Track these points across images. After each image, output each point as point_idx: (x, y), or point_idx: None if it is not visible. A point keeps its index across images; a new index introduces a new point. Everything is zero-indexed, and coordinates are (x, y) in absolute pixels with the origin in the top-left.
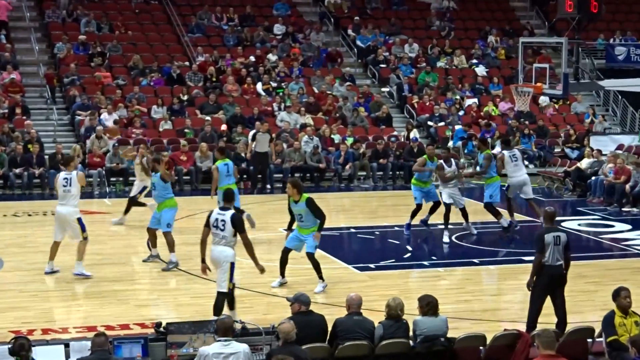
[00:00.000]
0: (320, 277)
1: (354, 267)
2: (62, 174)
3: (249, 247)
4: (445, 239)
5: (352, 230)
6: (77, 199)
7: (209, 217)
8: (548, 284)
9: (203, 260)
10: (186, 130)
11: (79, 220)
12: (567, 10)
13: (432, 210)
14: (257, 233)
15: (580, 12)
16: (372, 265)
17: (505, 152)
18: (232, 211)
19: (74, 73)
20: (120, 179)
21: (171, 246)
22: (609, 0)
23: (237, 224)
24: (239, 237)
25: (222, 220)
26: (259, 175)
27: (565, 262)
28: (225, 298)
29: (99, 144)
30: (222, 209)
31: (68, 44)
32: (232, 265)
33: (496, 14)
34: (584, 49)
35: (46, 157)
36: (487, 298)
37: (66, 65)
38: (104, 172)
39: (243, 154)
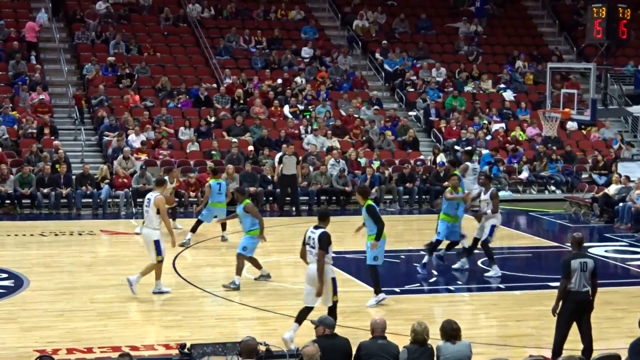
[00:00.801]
0: (376, 291)
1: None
2: (148, 194)
3: (321, 266)
4: (494, 272)
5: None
6: (158, 221)
7: (305, 234)
8: (574, 310)
9: None
10: (213, 152)
11: (156, 243)
12: (596, 37)
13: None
14: (283, 256)
15: (608, 38)
16: (397, 289)
17: (468, 163)
18: (322, 230)
19: (102, 94)
20: None
21: (239, 270)
22: (637, 27)
23: (322, 240)
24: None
25: (313, 239)
26: (287, 198)
27: (592, 289)
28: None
29: (126, 164)
30: (315, 227)
31: (97, 65)
32: (333, 280)
33: (524, 39)
34: (612, 74)
35: (73, 177)
36: (512, 324)
37: (94, 86)
38: (130, 193)
39: (270, 177)
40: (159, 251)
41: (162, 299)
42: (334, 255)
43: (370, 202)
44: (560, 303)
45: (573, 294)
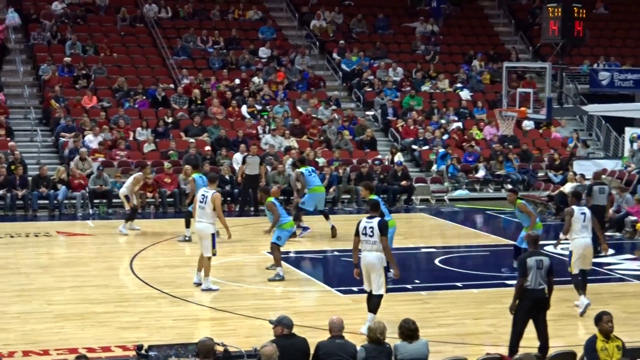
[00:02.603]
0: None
1: (337, 290)
2: (201, 190)
3: (387, 250)
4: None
5: (336, 253)
6: (214, 217)
7: (357, 225)
8: (530, 308)
9: (357, 266)
10: (170, 153)
11: (213, 236)
12: (552, 36)
13: None
14: (244, 255)
15: (564, 38)
16: (355, 289)
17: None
18: (378, 218)
19: (59, 95)
20: (104, 201)
21: (277, 261)
22: (592, 26)
23: (383, 227)
24: None
25: (371, 227)
26: (248, 198)
27: (548, 287)
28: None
29: (82, 165)
30: (369, 217)
31: (53, 66)
32: (385, 268)
33: (481, 38)
34: (568, 74)
35: (30, 178)
36: (470, 322)
37: (51, 87)
38: (87, 194)
39: (227, 177)
40: (214, 244)
41: (118, 301)
42: (293, 255)
43: (373, 195)
44: (517, 301)
45: (529, 291)
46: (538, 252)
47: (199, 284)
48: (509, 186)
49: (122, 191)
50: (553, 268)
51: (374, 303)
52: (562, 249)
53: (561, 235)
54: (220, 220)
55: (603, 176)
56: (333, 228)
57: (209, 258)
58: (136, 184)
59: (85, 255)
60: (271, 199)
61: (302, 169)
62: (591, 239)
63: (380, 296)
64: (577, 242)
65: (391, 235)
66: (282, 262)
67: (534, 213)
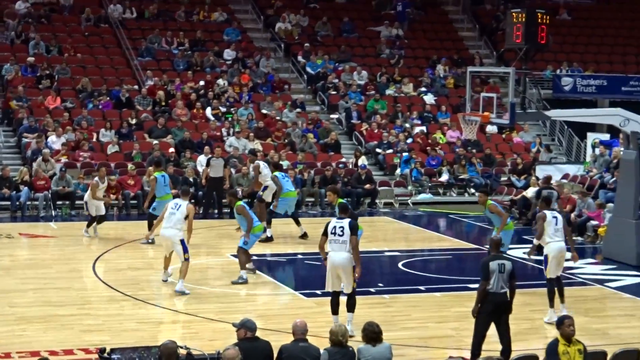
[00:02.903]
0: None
1: (300, 293)
2: (175, 200)
3: (356, 250)
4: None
5: (299, 256)
6: (182, 224)
7: (326, 225)
8: (492, 312)
9: (325, 259)
10: (134, 154)
11: (182, 242)
12: (515, 41)
13: None
14: (208, 258)
15: (527, 43)
16: (318, 292)
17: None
18: (349, 219)
19: (22, 95)
20: (67, 202)
21: (242, 264)
22: (556, 32)
23: (354, 228)
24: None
25: (341, 227)
26: (212, 201)
27: (510, 291)
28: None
29: (45, 166)
30: (339, 218)
31: (16, 66)
32: (354, 268)
33: (445, 43)
34: (531, 79)
35: None
36: (433, 325)
37: (14, 87)
38: (49, 195)
39: (191, 179)
40: (185, 249)
41: (80, 304)
42: (256, 257)
43: (340, 200)
44: (479, 304)
45: (491, 295)
46: (500, 256)
47: (166, 281)
48: (472, 190)
49: (84, 198)
50: (515, 272)
51: (351, 302)
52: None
53: (535, 242)
54: (189, 227)
55: (564, 181)
56: (305, 235)
57: (187, 260)
58: (94, 189)
59: (47, 257)
60: (240, 202)
61: (276, 173)
62: (565, 243)
63: (354, 294)
64: (551, 246)
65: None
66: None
67: (505, 213)
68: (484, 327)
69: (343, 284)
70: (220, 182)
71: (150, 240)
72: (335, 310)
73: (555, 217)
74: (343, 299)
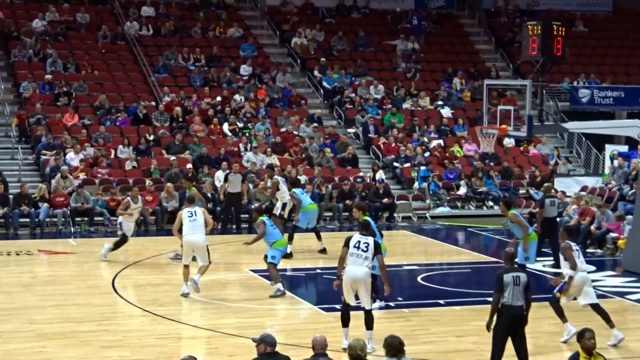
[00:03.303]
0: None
1: (320, 307)
2: (185, 210)
3: (384, 268)
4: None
5: (318, 270)
6: (204, 228)
7: (349, 239)
8: (509, 325)
9: (339, 277)
10: (152, 170)
11: (207, 246)
12: (531, 53)
13: None
14: (227, 273)
15: (544, 55)
16: (337, 306)
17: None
18: (372, 237)
19: (40, 112)
20: (85, 219)
21: (274, 278)
22: (572, 44)
23: (377, 247)
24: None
25: (366, 243)
26: (230, 216)
27: (526, 303)
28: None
29: (64, 183)
30: (362, 234)
31: (34, 84)
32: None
33: (461, 56)
34: (548, 91)
35: (11, 196)
36: (453, 339)
37: (32, 104)
38: (68, 212)
39: (209, 194)
40: (209, 253)
41: (100, 320)
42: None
43: (366, 217)
44: (495, 317)
45: (506, 308)
46: (515, 268)
47: (187, 295)
48: (491, 203)
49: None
50: (530, 284)
51: (369, 319)
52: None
53: (570, 272)
54: (209, 225)
55: (583, 193)
56: (324, 250)
57: (210, 263)
58: (124, 208)
59: (67, 274)
60: (263, 217)
61: (294, 190)
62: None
63: (371, 311)
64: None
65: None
66: (267, 279)
67: (525, 224)
68: (502, 340)
69: (361, 299)
70: (238, 197)
71: (178, 256)
72: (345, 323)
73: (577, 250)
74: (355, 314)
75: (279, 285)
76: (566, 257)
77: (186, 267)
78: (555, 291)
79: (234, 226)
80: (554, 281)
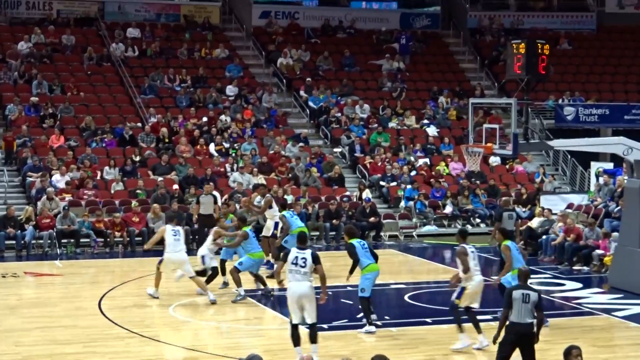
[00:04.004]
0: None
1: (307, 327)
2: (169, 227)
3: (324, 280)
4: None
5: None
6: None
7: (287, 254)
8: (514, 342)
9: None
10: (138, 191)
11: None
12: (516, 72)
13: None
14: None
15: (528, 74)
16: (324, 326)
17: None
18: (310, 250)
19: (26, 135)
20: (72, 240)
21: (236, 282)
22: (557, 62)
23: (316, 256)
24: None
25: (303, 258)
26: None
27: (537, 322)
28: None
29: (50, 205)
30: (300, 248)
31: (20, 106)
32: (317, 298)
33: (447, 75)
34: (533, 109)
35: None
36: (440, 358)
37: (17, 126)
38: (54, 233)
39: (196, 215)
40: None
41: (86, 342)
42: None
43: (351, 240)
44: (503, 332)
45: (513, 325)
46: (526, 286)
47: (157, 297)
48: (478, 220)
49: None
50: (542, 303)
51: (314, 333)
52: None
53: (462, 275)
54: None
55: (569, 210)
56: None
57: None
58: (216, 237)
59: (53, 296)
60: (246, 228)
61: (284, 212)
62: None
63: (316, 324)
64: (474, 278)
65: (372, 279)
66: (250, 298)
67: (510, 261)
68: (505, 357)
69: (306, 313)
70: (210, 218)
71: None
72: (297, 342)
73: (473, 252)
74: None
75: (241, 290)
76: (461, 261)
77: (159, 273)
78: (453, 298)
79: None
80: (450, 285)
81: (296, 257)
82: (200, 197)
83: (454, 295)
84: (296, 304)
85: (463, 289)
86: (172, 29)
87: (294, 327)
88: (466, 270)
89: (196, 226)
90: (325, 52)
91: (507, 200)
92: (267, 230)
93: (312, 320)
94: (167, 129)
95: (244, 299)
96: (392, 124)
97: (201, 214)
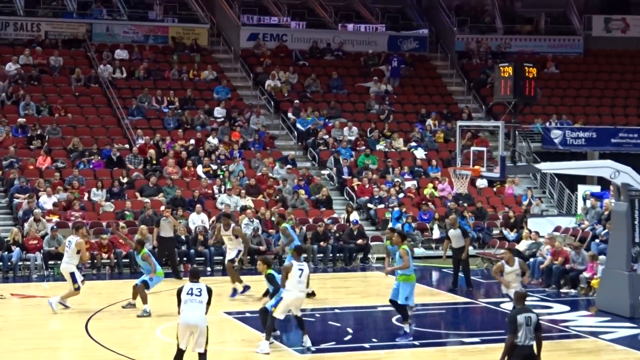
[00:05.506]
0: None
1: (294, 349)
2: (69, 238)
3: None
4: None
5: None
6: (76, 259)
7: (183, 289)
8: None
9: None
10: (126, 213)
11: (72, 274)
12: (504, 95)
13: None
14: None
15: (516, 96)
16: (312, 348)
17: None
18: (205, 284)
19: (13, 156)
20: (59, 262)
21: (143, 299)
22: (544, 85)
23: (211, 290)
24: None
25: (199, 289)
26: (164, 260)
27: (537, 342)
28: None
29: (37, 226)
30: (192, 281)
31: (7, 127)
32: (207, 328)
33: (434, 97)
34: (521, 132)
35: None
36: None
37: (4, 148)
38: (41, 255)
39: (183, 237)
40: (74, 280)
41: None
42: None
43: (269, 270)
44: (507, 358)
45: (519, 348)
46: (526, 309)
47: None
48: None
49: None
50: (540, 324)
51: None
52: None
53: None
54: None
55: (556, 233)
56: (312, 293)
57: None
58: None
59: (40, 318)
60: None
61: (285, 224)
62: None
63: (206, 354)
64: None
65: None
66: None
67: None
68: None
69: (195, 342)
70: (170, 241)
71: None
72: None
73: (301, 270)
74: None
75: (146, 307)
76: (282, 276)
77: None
78: (270, 305)
79: (170, 271)
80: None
81: (191, 288)
82: (160, 219)
83: (272, 303)
84: (185, 331)
85: (281, 299)
86: (160, 50)
87: (179, 352)
88: (282, 285)
89: (156, 250)
90: (313, 74)
91: (454, 218)
92: (229, 255)
93: (201, 349)
94: (155, 151)
95: (149, 315)
96: (380, 147)
97: (161, 236)
